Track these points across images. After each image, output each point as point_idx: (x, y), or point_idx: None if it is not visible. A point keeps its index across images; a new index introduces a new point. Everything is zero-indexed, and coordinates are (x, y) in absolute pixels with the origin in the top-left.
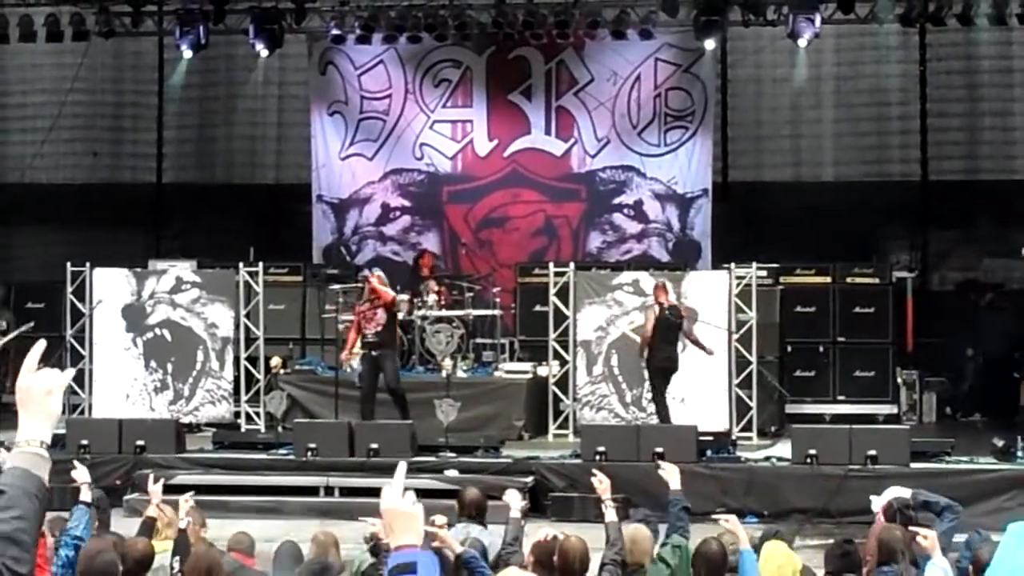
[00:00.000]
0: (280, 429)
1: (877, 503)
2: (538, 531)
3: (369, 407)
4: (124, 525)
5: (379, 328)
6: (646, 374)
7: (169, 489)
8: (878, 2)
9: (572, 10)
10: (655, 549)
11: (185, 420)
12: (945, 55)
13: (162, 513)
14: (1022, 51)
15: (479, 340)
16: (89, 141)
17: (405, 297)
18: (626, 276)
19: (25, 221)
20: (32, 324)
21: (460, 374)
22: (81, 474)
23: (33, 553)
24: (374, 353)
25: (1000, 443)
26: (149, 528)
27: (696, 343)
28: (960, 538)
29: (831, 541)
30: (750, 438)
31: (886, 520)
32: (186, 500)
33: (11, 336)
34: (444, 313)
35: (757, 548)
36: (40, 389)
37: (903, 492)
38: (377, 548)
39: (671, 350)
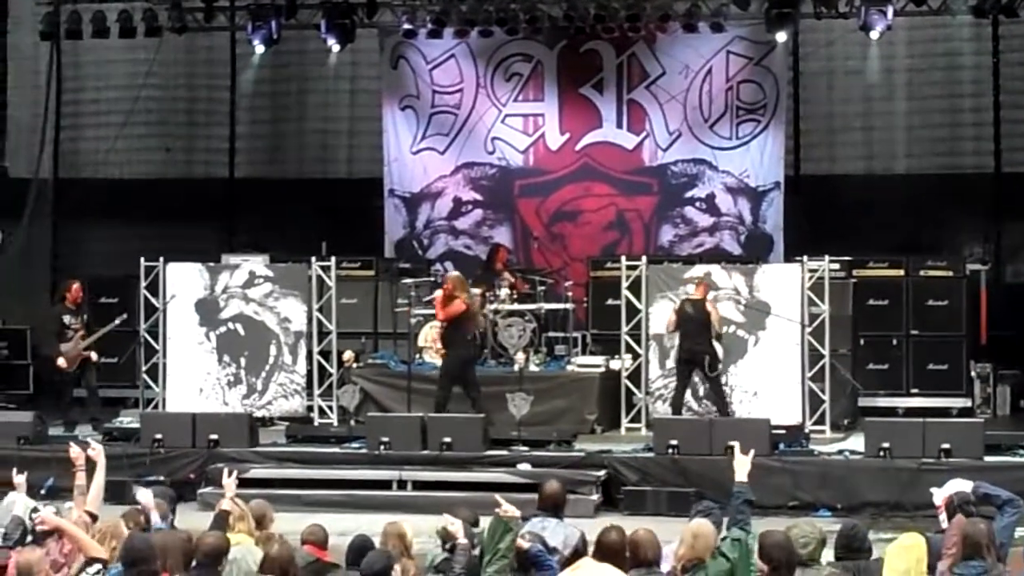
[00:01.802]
0: (353, 423)
1: (939, 496)
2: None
3: (444, 396)
4: (198, 519)
5: (443, 330)
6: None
7: (243, 483)
8: None
9: (643, 3)
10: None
11: (258, 414)
12: (1018, 46)
13: (235, 507)
14: None
15: (551, 334)
16: (162, 136)
17: (477, 291)
18: (698, 269)
19: (99, 216)
20: (124, 316)
21: (532, 368)
22: (144, 496)
23: None
24: (444, 351)
25: None
26: (222, 521)
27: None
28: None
29: (930, 535)
30: (823, 431)
31: (947, 515)
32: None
33: (101, 333)
34: (516, 307)
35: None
36: None
37: (965, 485)
38: (453, 546)
39: (691, 343)
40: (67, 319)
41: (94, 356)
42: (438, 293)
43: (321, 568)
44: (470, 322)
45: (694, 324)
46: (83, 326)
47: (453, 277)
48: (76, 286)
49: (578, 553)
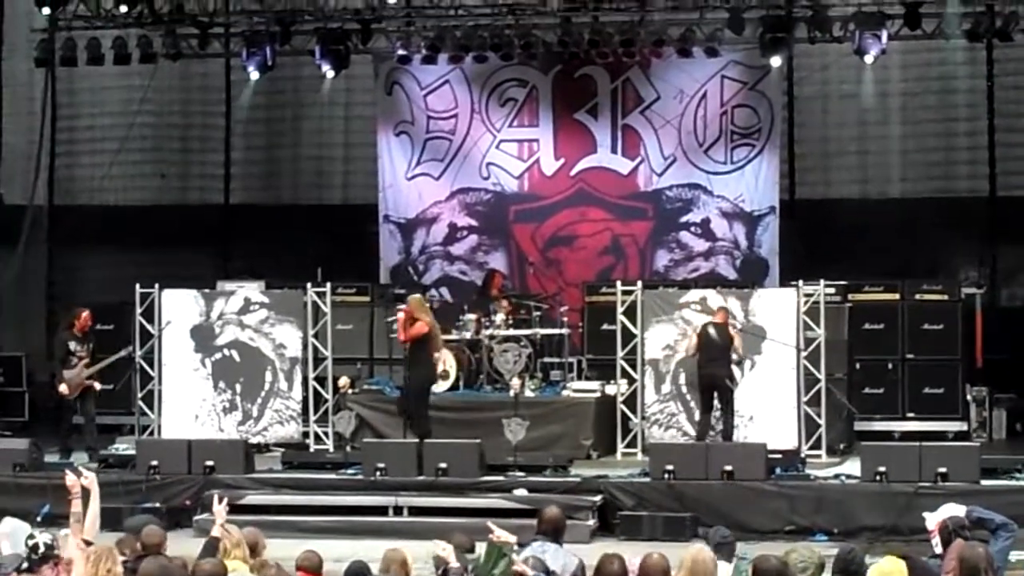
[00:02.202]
0: (349, 449)
1: (931, 520)
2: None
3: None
4: (194, 545)
5: (405, 352)
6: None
7: (238, 509)
8: (945, 18)
9: (638, 28)
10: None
11: (254, 440)
12: (1013, 70)
13: (228, 533)
14: None
15: (547, 359)
16: (157, 162)
17: (472, 317)
18: (693, 294)
19: (94, 242)
20: (130, 348)
21: (528, 393)
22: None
23: None
24: (405, 373)
25: None
26: (212, 548)
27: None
28: (1018, 556)
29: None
30: (819, 456)
31: (941, 539)
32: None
33: (105, 363)
34: (512, 332)
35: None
36: None
37: (958, 510)
38: (446, 571)
39: (714, 367)
40: (72, 346)
41: (97, 385)
42: (400, 315)
43: None
44: (432, 343)
45: (717, 348)
46: (88, 354)
47: (414, 299)
48: (85, 315)
49: None
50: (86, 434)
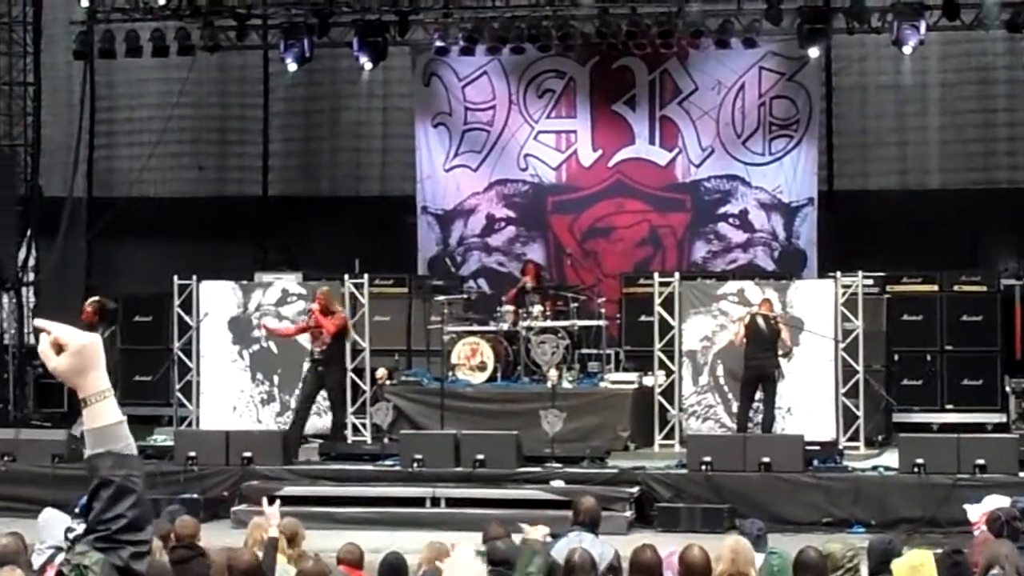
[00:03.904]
0: (386, 440)
1: (974, 512)
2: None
3: (303, 417)
4: (231, 536)
5: (324, 347)
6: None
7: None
8: (984, 8)
9: (675, 19)
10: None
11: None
12: None
13: (260, 526)
14: None
15: (584, 350)
16: (195, 155)
17: (510, 308)
18: (731, 286)
19: (133, 235)
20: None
21: (565, 385)
22: None
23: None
24: (319, 369)
25: None
26: (272, 550)
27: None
28: None
29: (939, 551)
30: (857, 447)
31: (991, 531)
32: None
33: None
34: (549, 324)
35: (882, 561)
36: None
37: (1003, 501)
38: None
39: (761, 358)
40: None
41: None
42: (315, 306)
43: None
44: (348, 335)
45: (766, 339)
46: None
47: (326, 291)
48: (87, 306)
49: (613, 570)
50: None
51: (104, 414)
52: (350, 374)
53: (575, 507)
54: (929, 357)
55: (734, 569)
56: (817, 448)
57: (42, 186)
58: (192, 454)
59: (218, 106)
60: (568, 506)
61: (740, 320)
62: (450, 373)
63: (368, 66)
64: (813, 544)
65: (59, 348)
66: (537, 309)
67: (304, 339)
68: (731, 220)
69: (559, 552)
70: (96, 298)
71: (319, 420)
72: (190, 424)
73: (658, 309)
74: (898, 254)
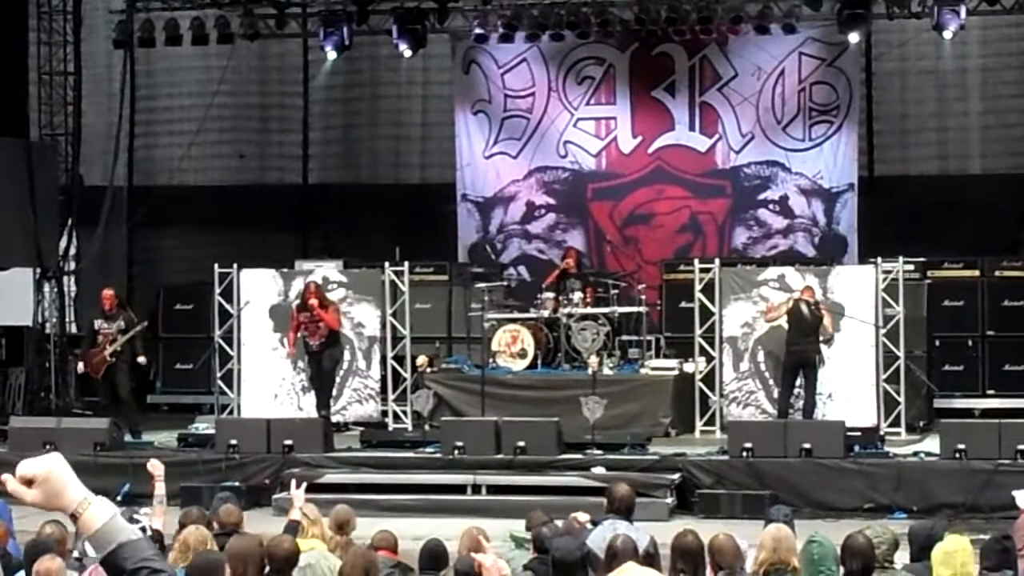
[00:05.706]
0: (427, 427)
1: (1022, 498)
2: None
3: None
4: (273, 523)
5: (322, 339)
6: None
7: (318, 488)
8: None
9: (715, 5)
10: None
11: (333, 419)
12: None
13: (305, 516)
14: None
15: (625, 337)
16: (236, 143)
17: (550, 295)
18: (772, 272)
19: (173, 223)
20: (146, 324)
21: (606, 371)
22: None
23: None
24: (321, 360)
25: None
26: (294, 531)
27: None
28: None
29: (981, 537)
30: (898, 433)
31: None
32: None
33: (126, 337)
34: (590, 311)
35: (924, 547)
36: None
37: None
38: (541, 543)
39: (804, 344)
40: (97, 324)
41: (141, 360)
42: (313, 302)
43: (400, 572)
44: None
45: (809, 326)
46: (117, 333)
47: (315, 282)
48: (107, 293)
49: (649, 556)
50: (119, 414)
51: (96, 518)
52: (390, 362)
53: (609, 495)
54: (970, 342)
55: (775, 558)
56: (858, 434)
57: (83, 175)
58: (233, 442)
59: (258, 94)
60: None
61: (769, 302)
62: (491, 360)
63: (407, 53)
64: (851, 530)
65: (28, 482)
66: (577, 296)
67: (347, 328)
68: (771, 206)
69: (594, 541)
70: (111, 290)
71: (360, 408)
72: (231, 412)
73: (699, 295)
74: (939, 239)
